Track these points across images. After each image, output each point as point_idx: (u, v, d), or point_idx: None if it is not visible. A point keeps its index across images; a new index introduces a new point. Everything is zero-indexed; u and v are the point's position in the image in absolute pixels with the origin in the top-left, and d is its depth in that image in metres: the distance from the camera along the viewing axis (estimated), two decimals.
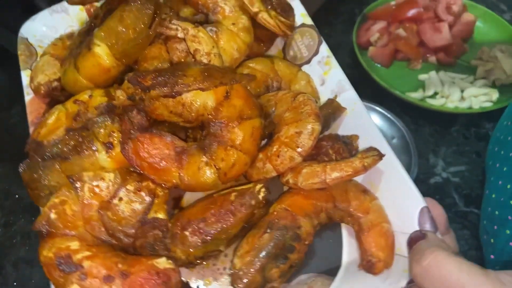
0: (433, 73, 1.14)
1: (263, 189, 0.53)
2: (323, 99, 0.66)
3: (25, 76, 0.65)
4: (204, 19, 0.70)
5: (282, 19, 0.66)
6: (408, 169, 0.93)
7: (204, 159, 0.52)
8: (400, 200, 0.55)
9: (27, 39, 0.70)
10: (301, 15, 0.73)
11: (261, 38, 0.70)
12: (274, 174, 0.55)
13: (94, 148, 0.52)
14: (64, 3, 0.74)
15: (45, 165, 0.51)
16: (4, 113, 1.06)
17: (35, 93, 0.63)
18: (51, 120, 0.55)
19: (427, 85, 1.11)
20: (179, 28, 0.59)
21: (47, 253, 0.46)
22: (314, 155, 0.56)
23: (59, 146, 0.52)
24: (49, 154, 0.52)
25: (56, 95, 0.63)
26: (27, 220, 0.88)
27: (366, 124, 0.60)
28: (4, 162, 0.98)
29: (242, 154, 0.54)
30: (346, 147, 0.57)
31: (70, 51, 0.63)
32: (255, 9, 0.64)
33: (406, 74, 1.17)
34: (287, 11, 0.70)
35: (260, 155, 0.56)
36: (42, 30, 0.72)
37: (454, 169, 0.99)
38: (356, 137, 0.60)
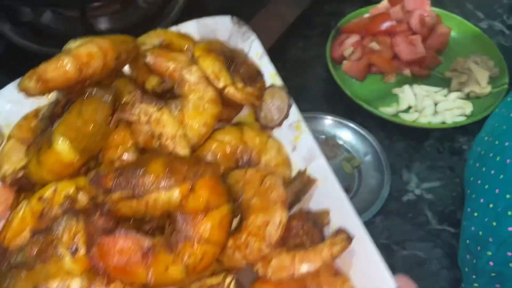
0: (406, 87, 1.15)
1: (233, 283, 0.52)
2: (295, 166, 0.65)
3: None
4: (171, 85, 0.69)
5: (250, 89, 0.64)
6: (381, 186, 0.96)
7: (171, 257, 0.52)
8: (372, 281, 0.54)
9: None
10: (270, 75, 0.71)
11: (230, 103, 0.69)
12: (244, 263, 0.54)
13: (59, 254, 0.52)
14: None
15: (11, 275, 0.51)
16: None
17: (2, 182, 0.62)
18: (15, 222, 0.55)
19: (401, 100, 1.13)
20: (142, 112, 0.58)
21: None
22: (284, 238, 0.56)
23: (24, 254, 0.52)
24: (14, 264, 0.51)
25: (23, 183, 0.62)
26: None
27: (337, 196, 0.60)
28: None
29: (211, 246, 0.53)
30: (317, 227, 0.56)
31: (34, 136, 0.62)
32: (221, 84, 0.63)
33: (380, 87, 1.17)
34: (256, 77, 0.68)
35: (230, 242, 0.55)
36: (7, 107, 0.71)
37: (428, 185, 1.00)
38: (326, 213, 0.59)
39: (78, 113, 0.54)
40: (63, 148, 0.54)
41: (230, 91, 0.63)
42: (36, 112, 0.69)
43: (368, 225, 0.86)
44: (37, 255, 0.51)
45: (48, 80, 0.53)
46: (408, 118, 1.06)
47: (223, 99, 0.66)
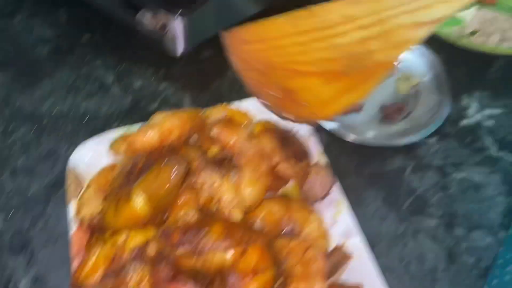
0: (473, 10, 1.04)
1: None
2: (333, 240, 0.72)
3: (71, 209, 0.75)
4: (228, 158, 0.79)
5: (298, 167, 0.74)
6: (438, 108, 0.91)
7: None
8: None
9: (74, 169, 0.81)
10: (317, 154, 0.81)
11: (279, 176, 0.78)
12: None
13: None
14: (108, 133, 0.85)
15: None
16: (6, 20, 1.11)
17: (79, 224, 0.72)
18: (91, 263, 0.64)
19: (466, 22, 1.02)
20: (206, 180, 0.68)
21: None
22: None
23: None
24: None
25: (98, 226, 0.72)
26: (27, 129, 0.92)
27: (369, 273, 0.66)
28: (6, 70, 1.02)
29: None
30: None
31: (111, 188, 0.73)
32: (275, 160, 0.72)
33: None
34: (304, 154, 0.78)
35: None
36: (89, 157, 0.82)
37: (489, 112, 0.95)
38: (359, 286, 0.65)
39: (155, 176, 0.64)
40: (139, 203, 0.64)
41: (283, 166, 0.72)
42: (112, 167, 0.80)
43: (422, 145, 0.88)
44: None
45: (136, 148, 0.65)
46: (473, 42, 0.96)
47: (273, 172, 0.75)
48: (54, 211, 0.82)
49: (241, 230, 0.62)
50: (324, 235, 0.72)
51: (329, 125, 0.87)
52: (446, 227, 0.79)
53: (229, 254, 0.61)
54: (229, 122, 0.81)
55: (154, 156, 0.69)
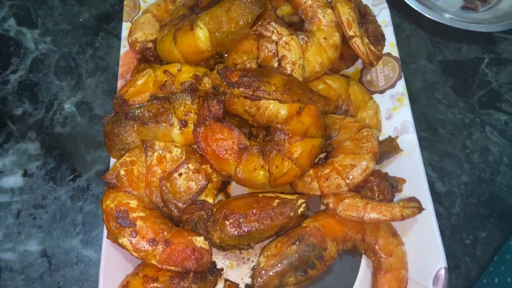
0: None
1: (303, 205, 0.58)
2: (385, 132, 0.68)
3: (125, 28, 0.70)
4: (298, 21, 0.72)
5: (373, 48, 0.67)
6: None
7: (261, 162, 0.57)
8: (424, 252, 0.58)
9: None
10: (390, 45, 0.74)
11: (345, 56, 0.72)
12: (317, 193, 0.59)
13: (171, 122, 0.58)
14: None
15: (126, 123, 0.58)
16: None
17: (130, 47, 0.68)
18: (140, 82, 0.61)
19: None
20: (275, 32, 0.62)
21: (110, 203, 0.53)
22: (359, 187, 0.60)
23: (142, 110, 0.58)
24: (131, 115, 0.58)
25: (148, 54, 0.68)
26: None
27: (416, 171, 0.63)
28: None
29: (296, 167, 0.58)
30: (391, 189, 0.60)
31: (171, 18, 0.68)
32: (351, 33, 0.66)
33: None
34: (379, 39, 0.71)
35: (311, 171, 0.60)
36: None
37: None
38: (403, 181, 0.62)
39: (226, 10, 0.58)
40: (202, 34, 0.60)
41: (357, 42, 0.66)
42: None
43: (503, 40, 0.81)
44: (152, 116, 0.58)
45: None
46: None
47: (340, 51, 0.69)
48: (104, 43, 0.79)
49: (302, 89, 0.57)
50: (377, 124, 0.68)
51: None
52: None
53: (285, 108, 0.57)
54: None
55: None
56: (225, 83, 0.56)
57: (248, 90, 0.56)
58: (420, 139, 0.67)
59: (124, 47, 0.69)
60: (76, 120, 0.71)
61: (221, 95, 0.57)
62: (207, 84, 0.57)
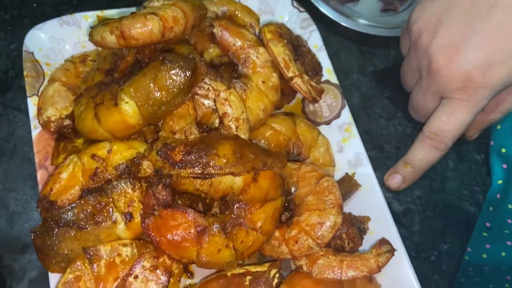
0: None
1: (277, 275, 0.54)
2: (339, 167, 0.66)
3: (31, 105, 0.60)
4: (229, 61, 0.66)
5: (314, 84, 0.64)
6: None
7: (225, 241, 0.52)
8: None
9: (33, 54, 0.64)
10: (327, 71, 0.71)
11: (285, 91, 0.68)
12: (288, 257, 0.56)
13: (113, 219, 0.50)
14: (76, 15, 0.67)
15: (59, 232, 0.49)
16: None
17: (43, 128, 0.58)
18: (65, 175, 0.52)
19: None
20: (211, 89, 0.56)
21: None
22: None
23: (76, 211, 0.50)
24: (64, 221, 0.49)
25: (66, 132, 0.59)
26: None
27: (378, 204, 0.62)
28: None
29: (261, 235, 0.54)
30: (360, 234, 0.58)
31: (85, 87, 0.58)
32: (290, 74, 0.62)
33: None
34: (317, 70, 0.68)
35: (277, 233, 0.56)
36: (48, 42, 0.65)
37: None
38: (368, 219, 0.61)
39: (152, 79, 0.51)
40: (130, 109, 0.52)
41: (297, 82, 0.62)
42: (83, 58, 0.65)
43: None
44: (90, 216, 0.50)
45: (132, 38, 0.50)
46: None
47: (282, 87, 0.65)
48: (4, 119, 0.65)
49: (255, 153, 0.53)
50: (331, 161, 0.66)
51: (329, 13, 0.79)
52: None
53: (240, 179, 0.52)
54: (230, 19, 0.67)
55: (146, 54, 0.55)
56: (168, 164, 0.50)
57: (196, 169, 0.49)
58: (369, 159, 0.66)
59: (36, 128, 0.58)
60: None
61: (166, 179, 0.50)
62: (148, 170, 0.50)
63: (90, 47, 0.67)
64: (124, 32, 0.49)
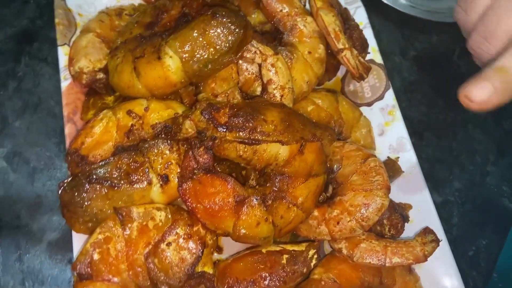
0: None
1: (315, 256, 0.50)
2: (379, 151, 0.62)
3: (62, 54, 0.55)
4: (271, 29, 0.63)
5: (362, 60, 0.60)
6: None
7: (264, 214, 0.48)
8: (442, 283, 0.54)
9: (65, 1, 0.60)
10: (372, 50, 0.67)
11: (327, 67, 0.64)
12: (327, 238, 0.52)
13: (148, 179, 0.46)
14: None
15: (90, 188, 0.45)
16: None
17: (74, 79, 0.54)
18: (98, 129, 0.48)
19: None
20: (258, 53, 0.52)
21: None
22: None
23: (109, 169, 0.46)
24: (96, 177, 0.45)
25: (98, 87, 0.55)
26: None
27: (421, 193, 0.58)
28: None
29: (301, 212, 0.50)
30: (403, 222, 0.55)
31: (123, 40, 0.54)
32: (340, 45, 0.58)
33: None
34: (365, 47, 0.64)
35: (316, 213, 0.53)
36: None
37: None
38: (409, 206, 0.57)
39: (201, 33, 0.47)
40: (173, 64, 0.48)
41: (347, 55, 0.58)
42: (119, 11, 0.60)
43: None
44: (124, 175, 0.46)
45: None
46: None
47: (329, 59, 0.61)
48: (30, 71, 0.62)
49: (304, 124, 0.49)
50: (371, 144, 0.62)
51: None
52: (496, 119, 0.73)
53: (285, 149, 0.48)
54: None
55: (194, 6, 0.51)
56: (212, 126, 0.46)
57: (243, 134, 0.46)
58: None
59: (65, 80, 0.54)
60: (8, 178, 0.55)
61: (209, 141, 0.46)
62: (190, 130, 0.46)
63: (125, 1, 0.63)
64: None
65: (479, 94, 0.46)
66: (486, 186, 0.68)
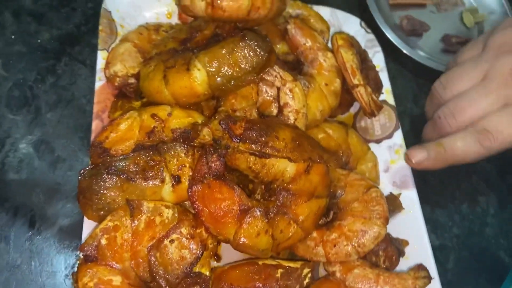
0: None
1: (309, 275, 0.52)
2: (383, 186, 0.65)
3: (101, 58, 0.61)
4: (293, 60, 0.67)
5: (375, 98, 0.64)
6: None
7: (265, 226, 0.50)
8: None
9: (110, 13, 0.66)
10: (386, 91, 0.71)
11: (341, 101, 0.68)
12: (322, 260, 0.54)
13: (162, 178, 0.49)
14: None
15: (108, 178, 0.48)
16: None
17: (108, 81, 0.59)
18: (123, 126, 0.52)
19: None
20: (278, 77, 0.57)
21: (88, 280, 0.44)
22: None
23: (128, 163, 0.49)
24: (114, 169, 0.49)
25: (128, 91, 0.59)
26: None
27: (418, 232, 0.60)
28: None
29: (301, 230, 0.53)
30: (398, 255, 0.56)
31: (158, 52, 0.59)
32: (355, 81, 0.62)
33: None
34: (379, 87, 0.68)
35: (315, 234, 0.55)
36: (127, 6, 0.67)
37: None
38: (406, 243, 0.59)
39: (229, 52, 0.52)
40: (200, 77, 0.52)
41: (361, 91, 0.62)
42: (157, 27, 0.66)
43: None
44: (140, 170, 0.49)
45: (220, 8, 0.51)
46: None
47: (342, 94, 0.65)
48: (68, 70, 0.67)
49: (312, 146, 0.52)
50: (376, 178, 0.65)
51: (393, 39, 0.80)
52: (500, 173, 0.75)
53: (293, 166, 0.51)
54: (304, 22, 0.68)
55: (227, 28, 0.56)
56: (228, 135, 0.49)
57: (255, 146, 0.49)
58: None
59: (100, 81, 0.59)
60: (33, 163, 0.59)
61: (222, 149, 0.50)
62: (206, 136, 0.50)
63: (164, 20, 0.69)
64: (215, 0, 0.50)
65: (417, 156, 0.60)
66: (484, 236, 0.70)
